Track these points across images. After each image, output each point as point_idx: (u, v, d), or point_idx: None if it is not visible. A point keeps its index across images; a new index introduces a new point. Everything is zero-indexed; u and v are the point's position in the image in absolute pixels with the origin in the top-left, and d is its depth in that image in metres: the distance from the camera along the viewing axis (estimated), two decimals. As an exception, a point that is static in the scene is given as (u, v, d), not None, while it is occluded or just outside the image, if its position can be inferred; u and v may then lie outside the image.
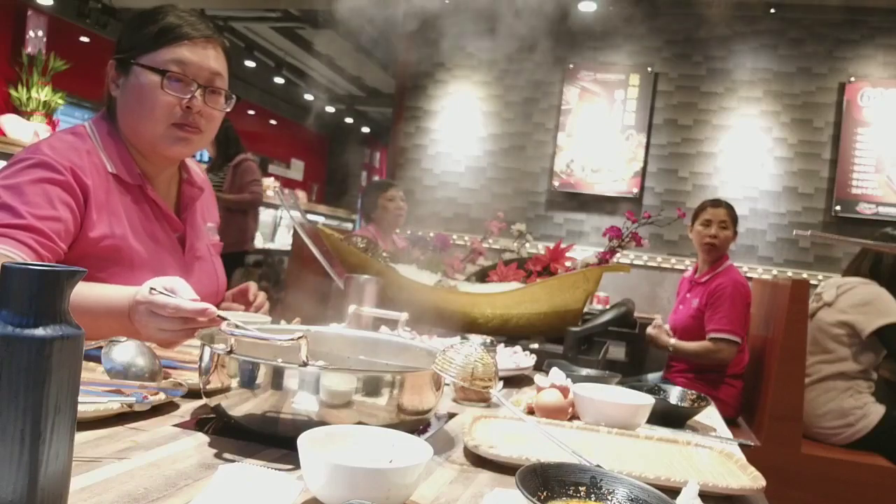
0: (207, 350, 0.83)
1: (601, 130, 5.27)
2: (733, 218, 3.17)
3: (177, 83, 1.33)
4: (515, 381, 1.38)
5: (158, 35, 1.33)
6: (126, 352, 0.97)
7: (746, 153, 5.07)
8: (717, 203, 3.21)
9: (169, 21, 1.34)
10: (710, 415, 1.29)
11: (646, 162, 5.21)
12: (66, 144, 1.30)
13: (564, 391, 1.10)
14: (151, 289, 1.05)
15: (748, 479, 0.84)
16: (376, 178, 4.72)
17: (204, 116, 1.37)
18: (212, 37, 1.38)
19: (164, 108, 1.33)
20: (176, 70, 1.33)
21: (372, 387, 0.80)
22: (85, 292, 1.11)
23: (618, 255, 2.01)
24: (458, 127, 5.62)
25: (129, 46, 1.36)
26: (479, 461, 0.83)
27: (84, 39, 6.68)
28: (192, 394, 0.94)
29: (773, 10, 4.98)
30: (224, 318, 1.01)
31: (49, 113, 5.20)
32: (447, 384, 1.04)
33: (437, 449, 0.76)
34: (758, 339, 3.07)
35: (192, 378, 0.99)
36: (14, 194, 1.20)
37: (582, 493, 0.64)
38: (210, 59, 1.37)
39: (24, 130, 4.26)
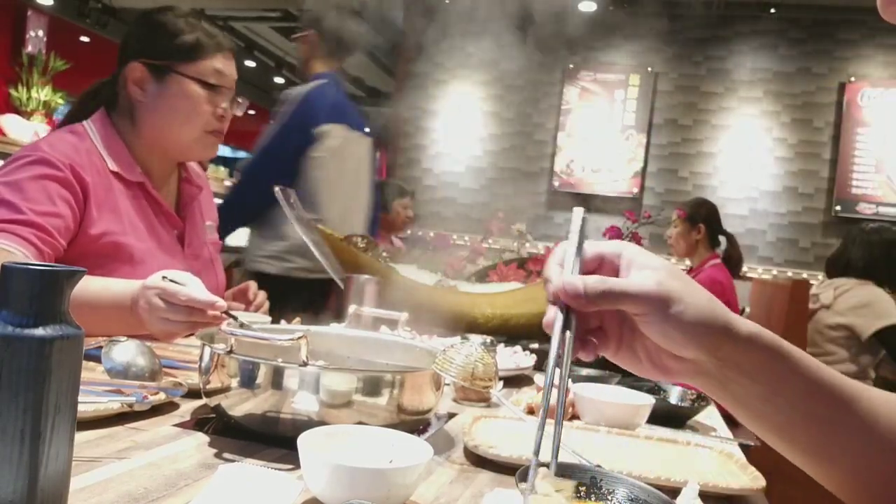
0: (207, 350, 0.83)
1: (601, 130, 5.27)
2: (687, 215, 3.17)
3: (217, 95, 1.42)
4: (515, 381, 1.38)
5: (196, 46, 1.40)
6: (126, 352, 0.97)
7: (746, 153, 5.07)
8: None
9: (202, 32, 1.41)
10: (710, 415, 1.29)
11: (646, 162, 5.21)
12: (66, 142, 1.31)
13: (564, 391, 1.09)
14: (163, 277, 1.05)
15: (748, 479, 0.84)
16: (394, 180, 4.73)
17: (227, 121, 1.47)
18: (232, 47, 1.47)
19: (204, 117, 1.41)
20: (218, 82, 1.41)
21: (372, 387, 0.80)
22: (86, 284, 1.12)
23: (618, 255, 2.01)
24: (458, 127, 5.62)
25: (165, 54, 1.39)
26: (479, 461, 0.83)
27: (84, 39, 6.67)
28: (192, 394, 0.94)
29: (773, 10, 4.98)
30: (232, 316, 1.01)
31: (49, 113, 5.20)
32: (447, 384, 1.04)
33: (437, 449, 0.76)
34: (758, 339, 3.07)
35: (192, 378, 0.99)
36: (14, 191, 1.20)
37: (582, 494, 0.63)
38: (234, 68, 1.46)
39: (24, 130, 4.26)
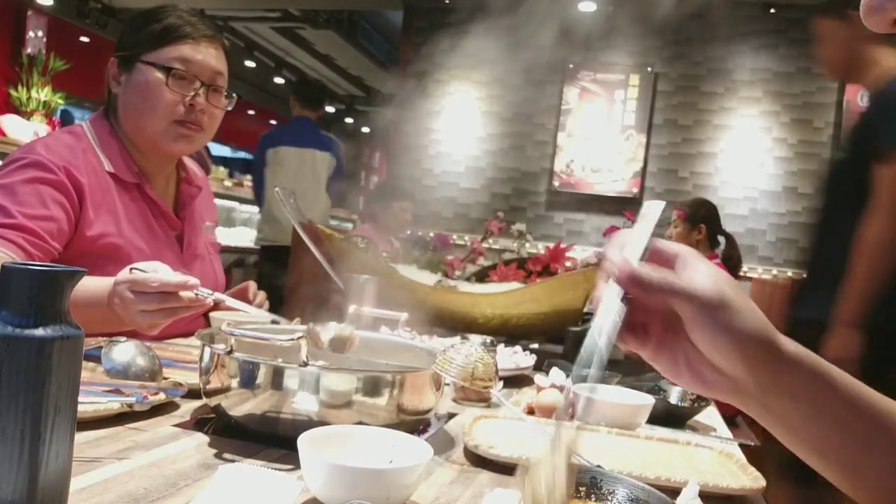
0: (207, 350, 0.83)
1: (601, 130, 5.26)
2: (687, 216, 3.19)
3: (180, 81, 1.35)
4: (515, 381, 1.38)
5: (162, 33, 1.35)
6: (126, 352, 0.97)
7: (746, 153, 5.06)
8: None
9: (172, 20, 1.37)
10: (710, 415, 1.29)
11: (646, 162, 5.21)
12: (62, 144, 1.31)
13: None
14: (132, 268, 1.04)
15: (748, 479, 0.84)
16: (396, 181, 4.80)
17: (206, 114, 1.39)
18: (214, 36, 1.41)
19: (168, 105, 1.35)
20: (180, 68, 1.35)
21: (372, 387, 0.80)
22: None
23: (618, 255, 2.00)
24: (458, 127, 5.61)
25: (133, 44, 1.37)
26: (479, 461, 0.83)
27: (84, 39, 6.67)
28: (192, 394, 0.94)
29: (773, 10, 4.98)
30: (208, 295, 1.01)
31: (49, 113, 5.20)
32: (447, 384, 1.04)
33: (437, 449, 0.76)
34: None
35: (192, 378, 0.99)
36: (6, 194, 1.20)
37: (582, 494, 0.63)
38: (212, 58, 1.39)
39: (24, 130, 4.26)
